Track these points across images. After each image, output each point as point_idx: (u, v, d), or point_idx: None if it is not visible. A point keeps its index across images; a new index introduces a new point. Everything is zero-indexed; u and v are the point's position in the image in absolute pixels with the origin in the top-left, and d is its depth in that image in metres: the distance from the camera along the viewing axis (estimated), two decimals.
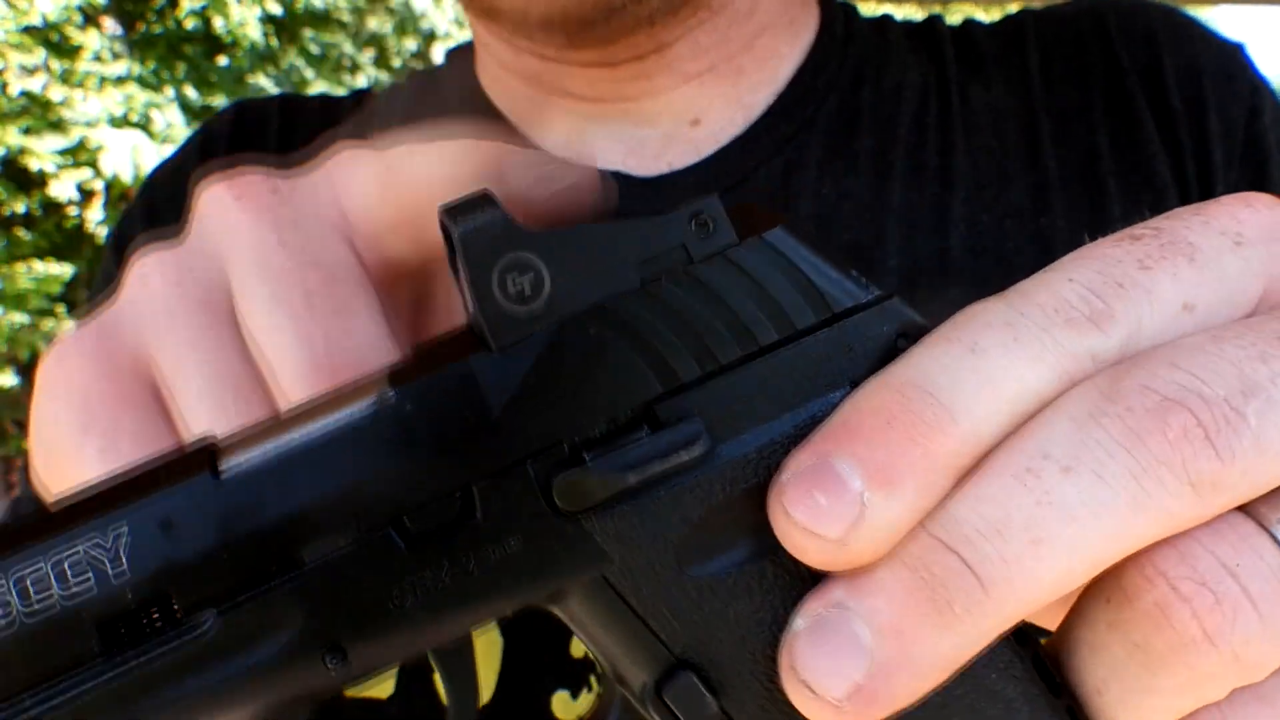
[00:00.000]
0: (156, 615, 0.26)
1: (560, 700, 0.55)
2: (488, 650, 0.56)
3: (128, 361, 0.34)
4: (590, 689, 0.55)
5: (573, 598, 0.28)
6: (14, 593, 0.25)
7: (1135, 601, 0.24)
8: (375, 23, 6.76)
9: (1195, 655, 0.23)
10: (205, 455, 0.27)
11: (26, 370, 5.04)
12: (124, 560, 0.25)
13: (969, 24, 0.68)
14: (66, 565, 0.25)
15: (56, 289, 4.70)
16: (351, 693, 0.56)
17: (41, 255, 4.82)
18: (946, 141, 0.62)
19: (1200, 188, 0.60)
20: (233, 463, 0.26)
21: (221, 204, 0.34)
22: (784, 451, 0.26)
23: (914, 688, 0.24)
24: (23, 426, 5.33)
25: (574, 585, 0.27)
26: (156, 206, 0.71)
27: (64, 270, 4.72)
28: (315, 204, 0.34)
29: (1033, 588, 0.23)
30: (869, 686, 0.24)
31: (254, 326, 0.33)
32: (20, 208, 4.98)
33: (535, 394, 0.27)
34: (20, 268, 4.64)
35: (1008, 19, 0.68)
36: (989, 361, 0.24)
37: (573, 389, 0.27)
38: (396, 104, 0.71)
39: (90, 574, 0.25)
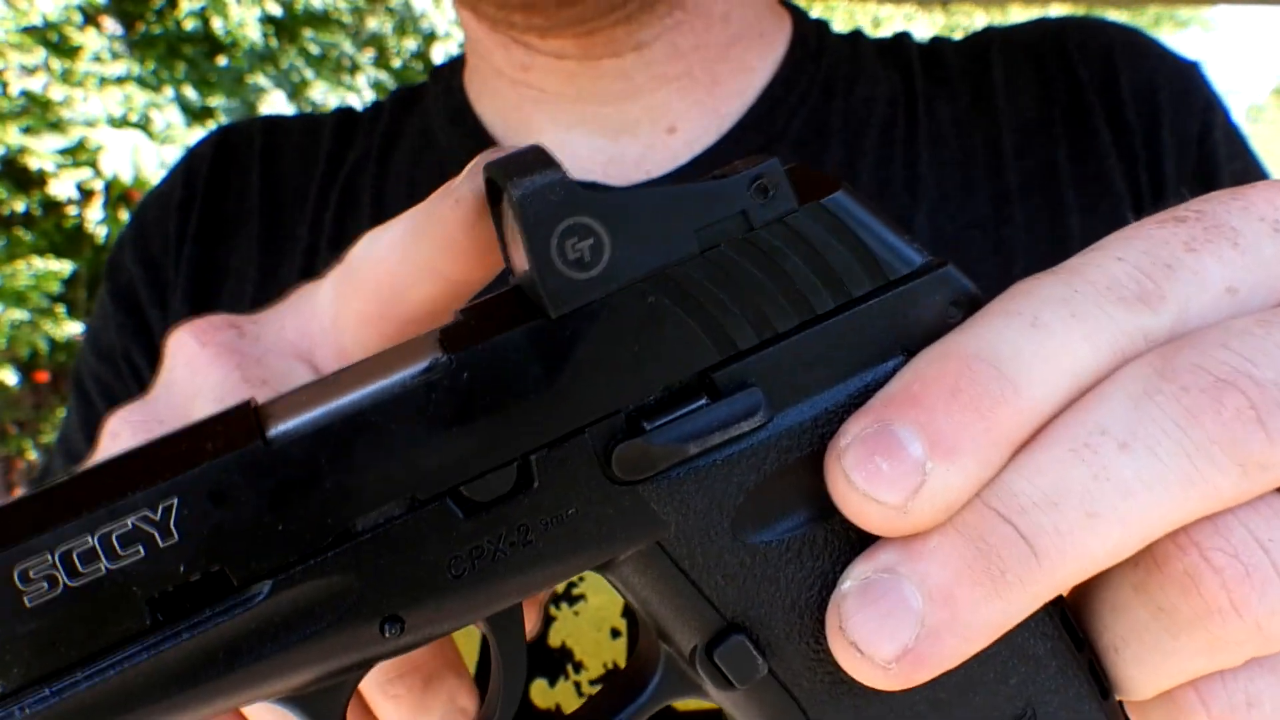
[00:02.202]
0: (210, 587, 0.25)
1: (538, 688, 0.57)
2: (466, 639, 0.57)
3: None
4: (567, 678, 0.57)
5: (626, 564, 0.28)
6: (60, 567, 0.24)
7: (1165, 567, 0.25)
8: (375, 23, 6.76)
9: (1219, 623, 0.24)
10: (252, 421, 0.26)
11: (26, 368, 5.04)
12: (174, 532, 0.25)
13: (937, 41, 0.71)
14: (114, 538, 0.25)
15: (56, 287, 4.69)
16: None
17: (41, 254, 4.82)
18: (912, 154, 0.64)
19: (1153, 199, 0.62)
20: (281, 429, 0.26)
21: (186, 349, 0.35)
22: (839, 420, 0.27)
23: (961, 651, 0.25)
24: (23, 427, 5.33)
25: (629, 552, 0.28)
26: (146, 233, 0.73)
27: (64, 268, 4.72)
28: (278, 334, 0.35)
29: (1084, 559, 0.24)
30: (917, 650, 0.24)
31: None
32: (20, 207, 4.98)
33: (593, 362, 0.26)
34: (20, 265, 4.64)
35: (974, 37, 0.71)
36: (1050, 336, 0.25)
37: (631, 357, 0.27)
38: (379, 122, 0.72)
39: (139, 545, 0.25)
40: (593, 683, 0.57)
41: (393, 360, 0.27)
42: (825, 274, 0.27)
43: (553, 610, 0.57)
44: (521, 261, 0.27)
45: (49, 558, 0.24)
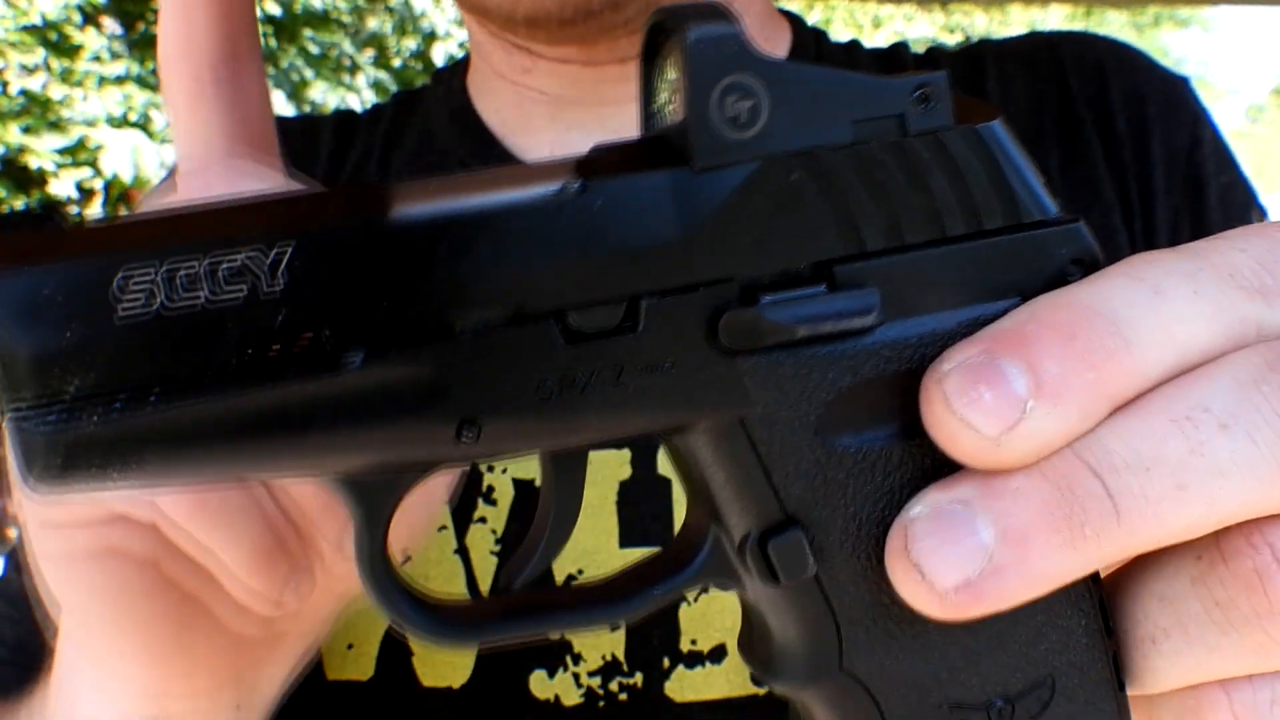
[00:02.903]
0: (306, 341, 0.25)
1: (538, 679, 0.57)
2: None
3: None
4: (566, 669, 0.57)
5: (702, 433, 0.28)
6: (161, 284, 0.24)
7: (1232, 562, 0.25)
8: (375, 22, 6.76)
9: (1275, 624, 0.24)
10: (378, 197, 0.26)
11: None
12: (281, 280, 0.24)
13: (933, 51, 0.73)
14: (221, 269, 0.24)
15: None
16: (333, 675, 0.57)
17: None
18: None
19: (1142, 208, 0.64)
20: (406, 211, 0.25)
21: None
22: (943, 344, 0.27)
23: (1020, 594, 0.25)
24: None
25: (709, 421, 0.27)
26: None
27: None
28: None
29: (1161, 528, 0.24)
30: (979, 585, 0.24)
31: None
32: (19, 206, 4.99)
33: (723, 224, 0.26)
34: None
35: (969, 48, 0.72)
36: (1170, 306, 0.25)
37: (761, 229, 0.26)
38: (379, 124, 0.72)
39: (244, 284, 0.24)
40: (591, 674, 0.57)
41: (526, 176, 0.26)
42: (964, 198, 0.27)
43: None
44: (675, 110, 0.27)
45: (152, 272, 0.24)
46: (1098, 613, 0.28)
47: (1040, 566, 0.25)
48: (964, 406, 0.25)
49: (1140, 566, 0.27)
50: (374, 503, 0.28)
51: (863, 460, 0.28)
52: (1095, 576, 0.29)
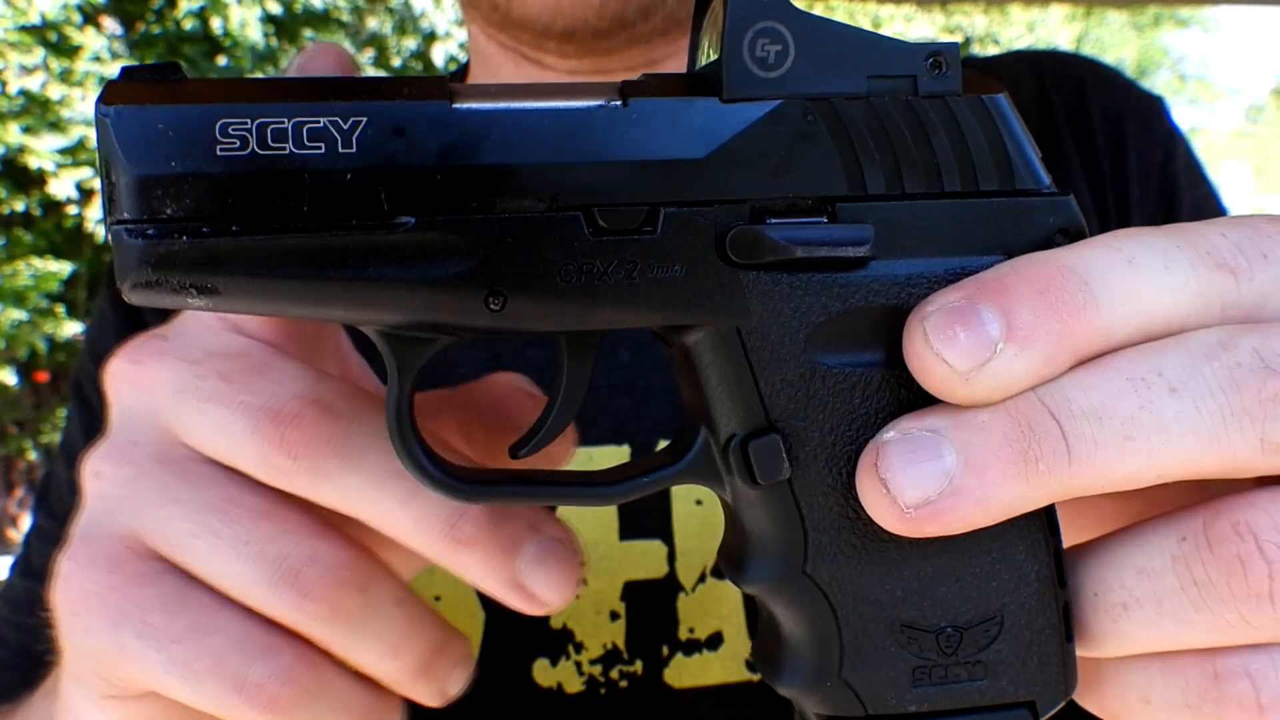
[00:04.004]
0: (365, 202, 0.28)
1: (540, 667, 0.58)
2: (470, 621, 0.59)
3: (120, 549, 0.35)
4: (568, 657, 0.58)
5: (703, 337, 0.31)
6: (254, 134, 0.28)
7: (1216, 546, 0.27)
8: (375, 22, 6.77)
9: (1251, 606, 0.26)
10: (444, 89, 0.29)
11: (26, 369, 5.04)
12: (355, 144, 0.28)
13: None
14: (305, 129, 0.28)
15: (55, 287, 4.70)
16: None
17: (40, 254, 4.83)
18: None
19: (1118, 219, 0.67)
20: (466, 104, 0.29)
21: (125, 375, 0.37)
22: (930, 287, 0.29)
23: (973, 519, 0.27)
24: (22, 426, 5.34)
25: (710, 326, 0.30)
26: None
27: (63, 268, 4.72)
28: (199, 322, 0.37)
29: (1106, 472, 0.27)
30: (938, 504, 0.27)
31: (202, 435, 0.35)
32: (20, 207, 4.99)
33: (741, 152, 0.29)
34: (20, 265, 4.65)
35: None
36: (1140, 275, 0.27)
37: (776, 160, 0.29)
38: None
39: (322, 144, 0.28)
40: (593, 662, 0.59)
41: (577, 90, 0.29)
42: (963, 159, 0.30)
43: None
44: (712, 49, 0.30)
45: (248, 122, 0.28)
46: (1051, 562, 0.31)
47: (994, 493, 0.27)
48: (941, 343, 0.27)
49: (1120, 538, 0.29)
50: (408, 356, 0.32)
51: (844, 381, 0.30)
52: (1054, 526, 0.31)
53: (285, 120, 0.28)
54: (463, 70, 0.74)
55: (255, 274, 0.28)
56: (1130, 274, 0.27)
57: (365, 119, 0.28)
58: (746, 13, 0.29)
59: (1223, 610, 0.27)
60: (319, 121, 0.28)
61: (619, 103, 0.29)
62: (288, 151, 0.28)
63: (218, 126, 0.27)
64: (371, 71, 6.43)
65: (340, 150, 0.28)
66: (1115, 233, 0.28)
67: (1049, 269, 0.27)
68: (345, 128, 0.28)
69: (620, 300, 0.30)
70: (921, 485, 0.27)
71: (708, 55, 0.31)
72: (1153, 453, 0.26)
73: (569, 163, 0.29)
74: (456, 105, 0.28)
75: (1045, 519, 0.31)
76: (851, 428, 0.30)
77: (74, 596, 0.35)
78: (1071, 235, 0.30)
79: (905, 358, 0.28)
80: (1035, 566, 0.31)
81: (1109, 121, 0.69)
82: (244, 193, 0.28)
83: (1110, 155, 0.68)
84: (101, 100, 0.28)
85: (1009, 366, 0.27)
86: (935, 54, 0.30)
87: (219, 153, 0.27)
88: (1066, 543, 0.31)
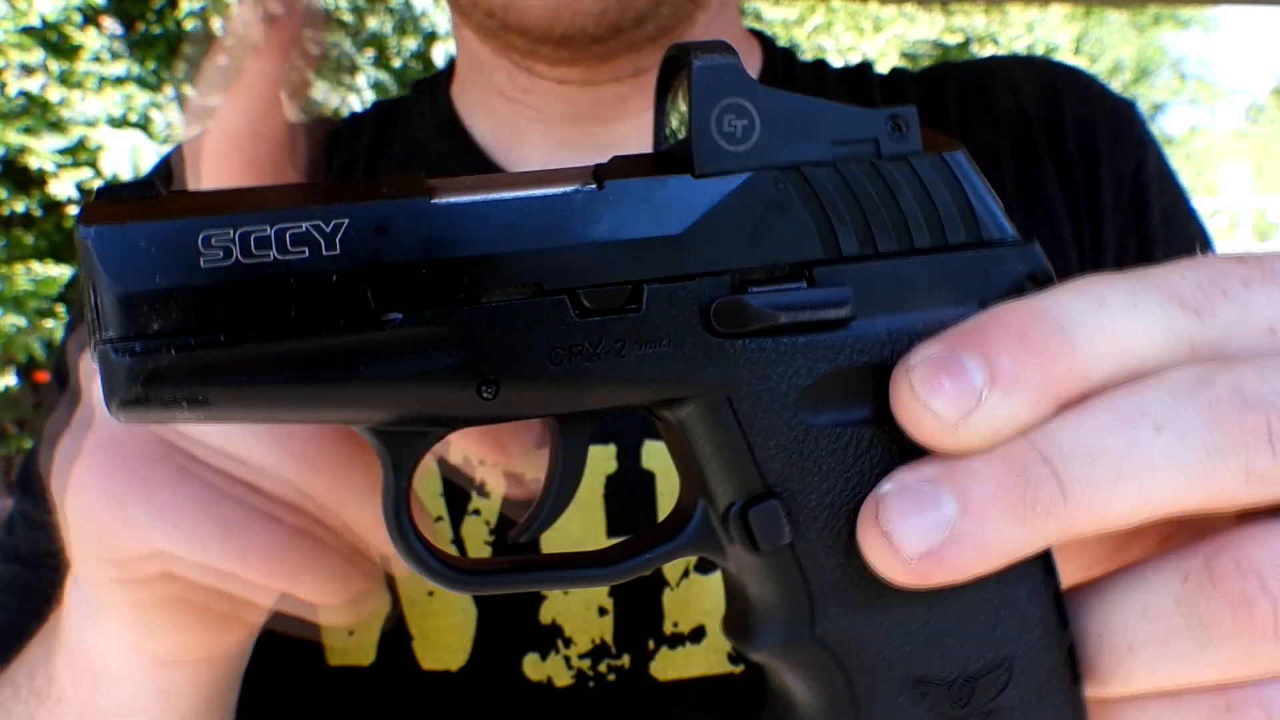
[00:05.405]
0: (352, 302, 0.29)
1: (531, 662, 0.59)
2: (462, 618, 0.59)
3: (124, 434, 0.37)
4: (557, 652, 0.59)
5: (694, 409, 0.31)
6: (238, 243, 0.28)
7: (1220, 585, 0.27)
8: (375, 22, 6.78)
9: (1256, 643, 0.27)
10: (423, 185, 0.30)
11: (25, 371, 5.05)
12: (338, 247, 0.28)
13: (896, 72, 0.77)
14: (288, 234, 0.28)
15: (55, 290, 4.71)
16: (334, 662, 0.58)
17: (41, 256, 4.83)
18: None
19: (1090, 224, 0.68)
20: (446, 198, 0.29)
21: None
22: (911, 342, 0.30)
23: (975, 566, 0.28)
24: (22, 426, 5.34)
25: (700, 397, 0.31)
26: None
27: (63, 272, 4.73)
28: None
29: (1100, 512, 0.27)
30: (940, 553, 0.27)
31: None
32: (20, 208, 5.00)
33: (718, 225, 0.30)
34: (19, 269, 4.65)
35: (931, 70, 0.77)
36: (1112, 317, 0.28)
37: (751, 230, 0.30)
38: (361, 134, 0.73)
39: (306, 248, 0.28)
40: (581, 656, 0.59)
41: (552, 177, 0.30)
42: (930, 216, 0.31)
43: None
44: (681, 132, 0.31)
45: (231, 232, 0.28)
46: (1054, 604, 0.31)
47: (995, 538, 0.27)
48: (927, 394, 0.28)
49: (1122, 577, 0.29)
50: (402, 452, 0.32)
51: (837, 441, 0.30)
52: (1051, 569, 0.31)
53: (268, 227, 0.28)
54: (449, 71, 0.74)
55: (245, 382, 0.28)
56: (1103, 315, 0.28)
57: (347, 220, 0.28)
58: (711, 91, 0.30)
59: (1229, 648, 0.27)
60: (301, 226, 0.28)
61: (594, 186, 0.30)
62: (271, 258, 0.28)
63: (200, 239, 0.28)
64: (371, 71, 6.43)
65: (324, 253, 0.28)
66: (1085, 278, 0.29)
67: (1025, 315, 0.28)
68: (328, 230, 0.28)
69: (611, 379, 0.30)
70: (924, 535, 0.27)
71: (674, 134, 0.32)
72: (1144, 490, 0.27)
73: (550, 248, 0.29)
74: (436, 200, 0.29)
75: (1043, 562, 0.31)
76: (848, 486, 0.30)
77: (80, 478, 0.37)
78: (1040, 281, 0.31)
79: (893, 411, 0.29)
80: (1038, 610, 0.31)
81: (1082, 129, 0.70)
82: (230, 302, 0.28)
83: (1082, 163, 0.69)
84: (81, 221, 0.28)
85: (996, 412, 0.27)
86: (894, 117, 0.31)
87: (202, 265, 0.28)
88: (1063, 584, 0.31)
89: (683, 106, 0.30)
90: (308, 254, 0.28)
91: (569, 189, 0.29)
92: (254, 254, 0.28)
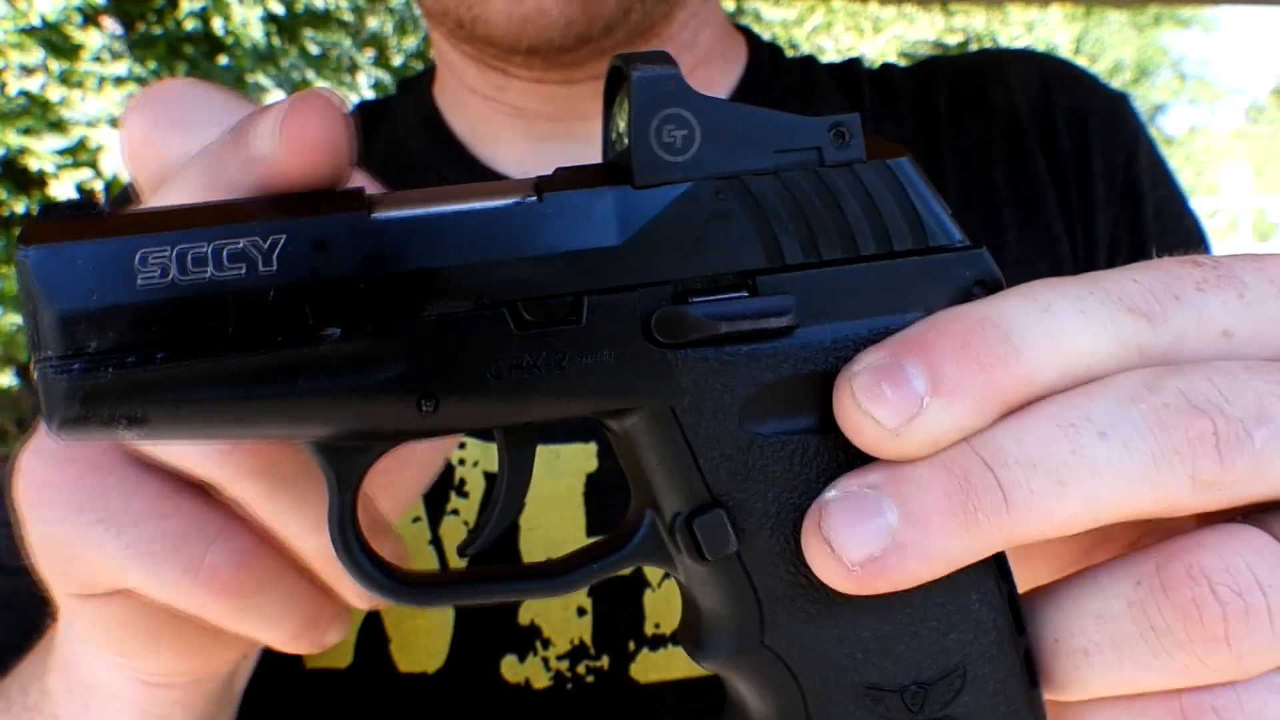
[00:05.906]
0: (290, 318, 0.29)
1: (508, 663, 0.59)
2: (440, 620, 0.59)
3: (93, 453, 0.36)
4: (535, 653, 0.59)
5: (638, 420, 0.31)
6: (175, 262, 0.28)
7: (1171, 591, 0.27)
8: (375, 23, 6.78)
9: (1208, 649, 0.27)
10: (362, 200, 0.30)
11: (25, 371, 5.05)
12: (275, 263, 0.28)
13: (886, 67, 0.76)
14: (225, 251, 0.28)
15: None
16: (312, 664, 0.58)
17: None
18: None
19: (1083, 219, 0.67)
20: (386, 213, 0.29)
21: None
22: (855, 349, 0.30)
23: (918, 573, 0.28)
24: (22, 426, 5.35)
25: (644, 408, 0.31)
26: None
27: None
28: None
29: (1044, 519, 0.27)
30: (882, 560, 0.27)
31: None
32: (20, 208, 5.00)
33: (659, 235, 0.30)
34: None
35: (922, 64, 0.76)
36: (1058, 323, 0.28)
37: (692, 240, 0.30)
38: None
39: (243, 264, 0.28)
40: (560, 658, 0.59)
41: (492, 190, 0.30)
42: (875, 223, 0.31)
43: None
44: (625, 140, 0.31)
45: (168, 250, 0.28)
46: (1007, 609, 0.31)
47: (938, 546, 0.27)
48: (869, 401, 0.28)
49: (1076, 582, 0.29)
50: (345, 467, 0.31)
51: (782, 449, 0.30)
52: (1005, 572, 0.31)
53: (205, 244, 0.28)
54: (432, 69, 0.75)
55: (184, 400, 0.28)
56: (1048, 322, 0.28)
57: (285, 236, 0.28)
58: (650, 102, 0.29)
59: (1181, 654, 0.27)
60: (238, 243, 0.28)
61: (534, 198, 0.30)
62: (209, 276, 0.28)
63: (137, 257, 0.28)
64: (371, 71, 6.44)
65: (261, 270, 0.28)
66: (1032, 283, 0.29)
67: (968, 322, 0.28)
68: (265, 246, 0.28)
69: (552, 391, 0.30)
70: (865, 542, 0.27)
71: (619, 140, 0.32)
72: (1087, 496, 0.27)
73: (490, 260, 0.29)
74: (375, 215, 0.29)
75: (996, 566, 0.31)
76: (794, 494, 0.30)
77: (34, 488, 0.36)
78: (989, 286, 0.31)
79: (836, 418, 0.29)
80: (992, 615, 0.31)
81: (1074, 122, 0.69)
82: (167, 320, 0.28)
83: (1075, 156, 0.68)
84: (20, 241, 0.28)
85: (937, 420, 0.27)
86: (836, 125, 0.30)
87: (140, 283, 0.28)
88: (1023, 587, 0.31)
89: (625, 117, 0.30)
90: (245, 271, 0.28)
91: (509, 201, 0.29)
92: (191, 271, 0.28)
